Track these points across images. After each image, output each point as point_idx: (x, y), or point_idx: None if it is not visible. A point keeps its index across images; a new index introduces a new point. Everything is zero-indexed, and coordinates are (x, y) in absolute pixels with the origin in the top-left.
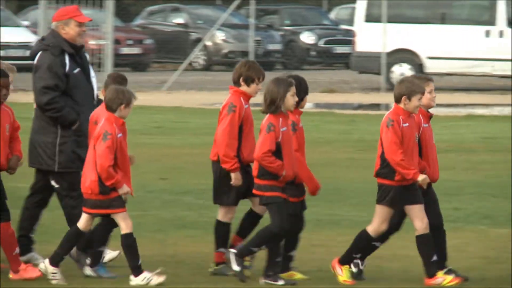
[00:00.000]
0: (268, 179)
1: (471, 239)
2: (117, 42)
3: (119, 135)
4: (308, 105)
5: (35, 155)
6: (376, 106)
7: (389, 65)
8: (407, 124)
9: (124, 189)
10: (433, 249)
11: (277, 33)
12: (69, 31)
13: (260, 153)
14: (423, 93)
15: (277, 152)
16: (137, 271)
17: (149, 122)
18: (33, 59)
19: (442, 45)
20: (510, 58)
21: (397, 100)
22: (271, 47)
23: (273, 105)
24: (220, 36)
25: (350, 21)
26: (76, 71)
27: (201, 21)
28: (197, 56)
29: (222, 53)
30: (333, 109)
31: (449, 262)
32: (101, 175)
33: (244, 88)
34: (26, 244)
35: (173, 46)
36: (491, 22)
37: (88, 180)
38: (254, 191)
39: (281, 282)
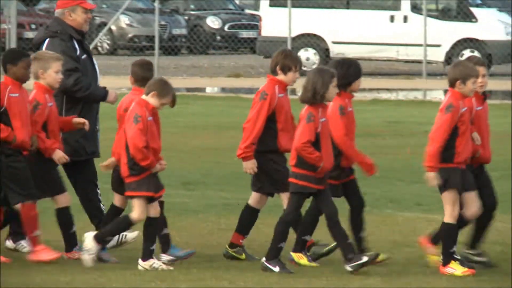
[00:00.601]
0: (305, 168)
1: (378, 223)
2: (20, 26)
3: (149, 118)
4: (213, 90)
5: None
6: None
7: (295, 50)
8: (465, 108)
9: (157, 167)
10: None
11: (182, 18)
12: (76, 17)
13: (300, 143)
14: (477, 77)
15: (316, 143)
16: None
17: None
18: (38, 47)
19: (347, 30)
20: (414, 43)
21: (452, 84)
22: (176, 31)
23: (318, 95)
24: (124, 20)
25: (254, 6)
26: (84, 57)
27: (105, 5)
28: (102, 41)
29: (127, 38)
30: (239, 93)
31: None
32: (135, 156)
33: (281, 76)
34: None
35: None
36: (396, 7)
37: (121, 163)
38: (289, 179)
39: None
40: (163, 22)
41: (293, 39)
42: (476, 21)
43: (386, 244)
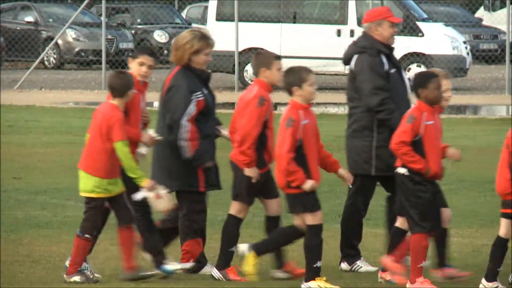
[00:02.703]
0: None
1: (326, 238)
2: None
3: None
4: None
5: (352, 160)
6: (230, 105)
7: (242, 64)
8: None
9: None
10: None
11: (129, 32)
12: (383, 32)
13: None
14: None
15: None
16: None
17: (1, 121)
18: (347, 63)
19: (295, 44)
20: None
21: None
22: (123, 45)
23: None
24: (71, 34)
25: (201, 20)
26: (392, 71)
27: (51, 19)
28: (49, 55)
29: (73, 52)
30: None
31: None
32: None
33: None
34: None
35: (24, 44)
36: (343, 21)
37: (501, 179)
38: None
39: None
40: (110, 36)
41: (241, 53)
42: (423, 35)
43: (334, 259)
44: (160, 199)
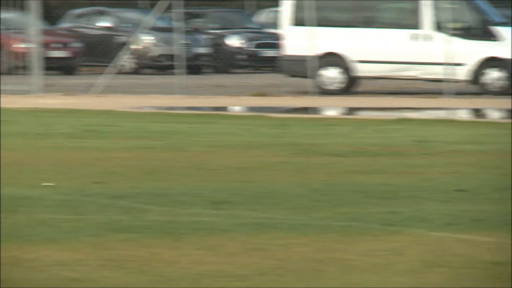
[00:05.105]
0: None
1: (408, 243)
2: (44, 45)
3: None
4: (239, 109)
5: None
6: (305, 110)
7: (317, 69)
8: None
9: None
10: None
11: (203, 37)
12: None
13: None
14: None
15: None
16: None
17: (79, 126)
18: None
19: (369, 48)
20: (436, 61)
21: None
22: (198, 50)
23: None
24: (148, 39)
25: (274, 25)
26: None
27: (127, 24)
28: (126, 60)
29: (151, 57)
30: (264, 112)
31: (387, 265)
32: None
33: None
34: None
35: (101, 49)
36: (418, 25)
37: None
38: None
39: None
40: (185, 41)
41: (315, 58)
42: (501, 39)
43: (417, 264)
44: None
